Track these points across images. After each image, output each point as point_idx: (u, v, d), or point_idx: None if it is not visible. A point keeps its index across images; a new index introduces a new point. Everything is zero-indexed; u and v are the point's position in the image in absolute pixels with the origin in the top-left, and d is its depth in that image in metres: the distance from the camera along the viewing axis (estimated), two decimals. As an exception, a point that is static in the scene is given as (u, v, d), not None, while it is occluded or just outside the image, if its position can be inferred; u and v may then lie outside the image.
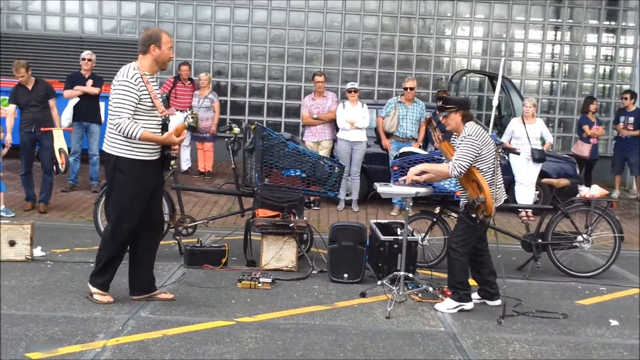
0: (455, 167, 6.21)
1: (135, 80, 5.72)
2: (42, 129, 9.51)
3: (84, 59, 11.06)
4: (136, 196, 5.89)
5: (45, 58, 14.84)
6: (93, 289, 6.10)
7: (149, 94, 5.77)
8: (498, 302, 6.58)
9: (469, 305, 6.46)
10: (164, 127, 5.89)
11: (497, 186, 6.38)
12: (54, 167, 9.50)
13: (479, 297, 6.70)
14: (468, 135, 6.27)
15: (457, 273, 6.42)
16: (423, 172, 6.55)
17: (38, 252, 7.49)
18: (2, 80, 13.06)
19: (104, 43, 14.78)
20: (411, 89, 10.81)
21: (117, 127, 5.69)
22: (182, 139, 6.04)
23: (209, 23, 15.23)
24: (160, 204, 6.36)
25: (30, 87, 9.65)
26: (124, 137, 5.72)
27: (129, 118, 5.68)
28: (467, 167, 6.21)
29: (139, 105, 5.73)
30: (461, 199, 6.57)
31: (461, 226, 6.45)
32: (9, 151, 9.66)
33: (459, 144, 6.32)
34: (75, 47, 14.70)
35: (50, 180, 9.80)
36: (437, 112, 6.59)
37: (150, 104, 5.80)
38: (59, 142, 9.41)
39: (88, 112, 10.94)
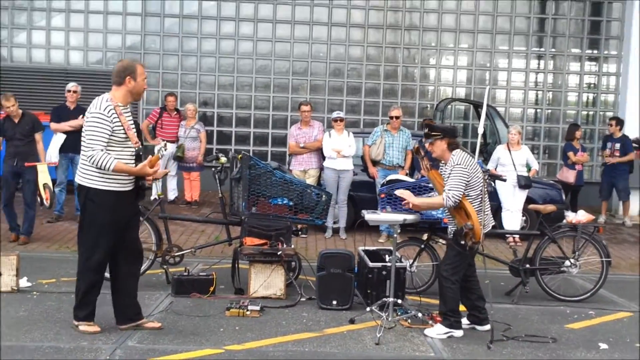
0: (449, 198, 6.22)
1: (108, 112, 5.71)
2: (26, 164, 9.39)
3: (69, 91, 11.07)
4: (108, 226, 5.87)
5: (31, 90, 14.83)
6: (78, 322, 6.05)
7: (122, 126, 5.76)
8: (487, 327, 6.56)
9: (458, 333, 6.45)
10: (138, 157, 5.89)
11: (485, 213, 6.40)
12: (39, 201, 9.39)
13: (468, 322, 6.69)
14: (457, 165, 6.30)
15: (448, 301, 6.41)
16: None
17: (24, 282, 7.42)
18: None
19: (89, 75, 14.80)
20: (397, 117, 10.88)
21: (90, 159, 5.68)
22: (156, 170, 6.00)
23: (195, 54, 15.30)
24: (137, 232, 6.31)
25: (17, 121, 9.58)
26: (97, 168, 5.71)
27: (102, 150, 5.67)
28: (460, 196, 6.22)
29: (112, 137, 5.72)
30: (449, 226, 6.58)
31: (451, 253, 6.46)
32: None
33: (449, 173, 6.34)
34: (60, 79, 14.70)
35: (32, 213, 9.71)
36: (424, 139, 6.62)
37: (124, 136, 5.79)
38: (43, 177, 9.28)
39: (73, 143, 10.90)
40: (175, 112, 12.87)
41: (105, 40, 15.26)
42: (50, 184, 9.29)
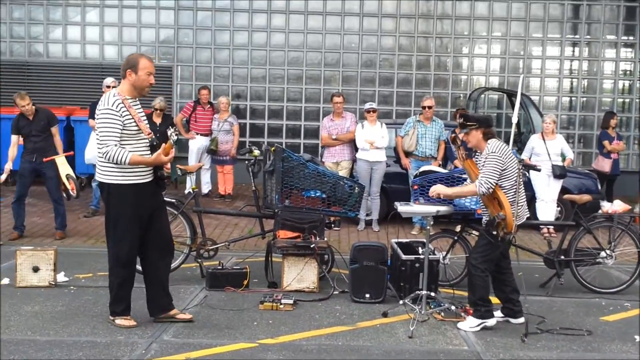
0: (482, 184, 6.20)
1: (117, 106, 5.76)
2: (44, 159, 9.36)
3: (108, 86, 11.10)
4: (132, 220, 5.95)
5: (67, 85, 15.06)
6: (114, 317, 6.16)
7: (132, 118, 5.81)
8: (521, 319, 6.53)
9: (491, 322, 6.43)
10: (153, 148, 5.93)
11: (519, 204, 6.36)
12: (64, 194, 9.38)
13: (502, 315, 6.65)
14: (492, 153, 6.27)
15: (478, 289, 6.39)
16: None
17: (61, 277, 7.55)
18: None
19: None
20: (429, 107, 10.84)
21: (105, 156, 5.75)
22: (172, 157, 6.02)
23: (228, 47, 15.36)
24: (166, 223, 6.37)
25: (31, 118, 9.52)
26: (114, 164, 5.78)
27: (115, 145, 5.73)
28: (494, 185, 6.19)
29: (124, 131, 5.78)
30: (483, 216, 6.55)
31: (482, 242, 6.43)
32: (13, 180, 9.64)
33: (484, 161, 6.31)
34: (96, 73, 14.88)
35: (62, 209, 9.72)
36: (458, 130, 6.59)
37: (136, 128, 5.85)
38: (64, 168, 9.23)
39: None
40: (209, 106, 12.95)
41: (139, 35, 15.39)
42: (73, 174, 9.25)
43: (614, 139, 12.84)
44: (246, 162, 8.41)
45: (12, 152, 9.60)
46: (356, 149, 10.96)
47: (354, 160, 11.08)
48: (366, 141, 10.66)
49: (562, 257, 7.69)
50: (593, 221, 7.83)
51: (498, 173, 6.23)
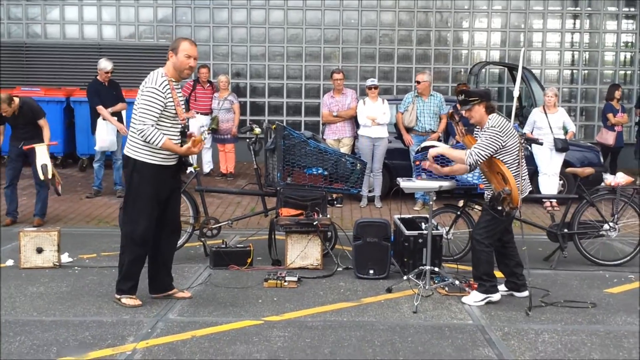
0: (471, 155, 6.18)
1: (163, 87, 5.79)
2: (24, 147, 9.04)
3: (107, 72, 10.96)
4: (151, 199, 5.96)
5: (65, 66, 15.00)
6: (119, 296, 6.17)
7: (173, 102, 5.85)
8: (525, 293, 6.53)
9: (496, 297, 6.44)
10: (183, 133, 6.00)
11: (522, 178, 6.34)
12: (54, 190, 9.14)
13: (506, 289, 6.67)
14: (491, 127, 6.25)
15: (482, 264, 6.39)
16: (441, 156, 6.62)
17: (65, 258, 7.56)
18: (23, 89, 13.20)
19: (122, 49, 14.89)
20: (418, 82, 10.79)
21: (140, 133, 5.77)
22: (200, 150, 6.13)
23: (226, 25, 15.28)
24: (179, 206, 6.41)
25: (16, 113, 9.13)
26: (145, 142, 5.79)
27: (152, 125, 5.76)
28: (485, 157, 6.18)
29: (163, 112, 5.81)
30: (485, 192, 6.54)
31: (485, 217, 6.43)
32: None
33: (481, 134, 6.30)
34: (94, 54, 14.82)
35: (43, 194, 9.39)
36: (459, 106, 6.55)
37: (173, 111, 5.88)
38: (42, 157, 8.92)
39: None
40: (208, 84, 12.90)
41: (137, 14, 15.30)
42: (50, 165, 8.92)
43: (618, 111, 12.79)
44: (247, 140, 8.38)
45: None
46: (357, 126, 10.92)
47: (355, 137, 11.05)
48: (368, 117, 10.62)
49: (566, 230, 7.69)
50: (596, 194, 7.81)
51: (493, 148, 6.19)
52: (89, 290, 6.63)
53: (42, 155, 8.96)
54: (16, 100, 9.09)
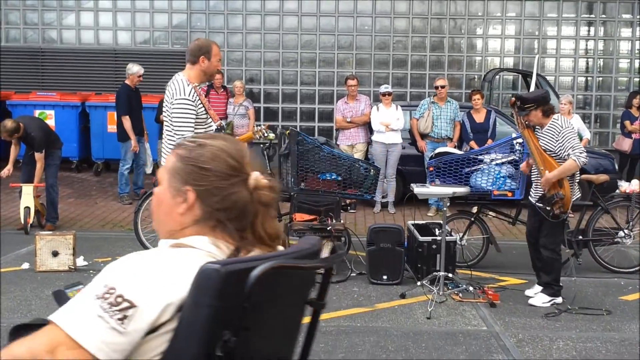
0: (579, 156, 6.27)
1: (192, 96, 5.67)
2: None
3: (140, 76, 11.02)
4: None
5: (81, 71, 15.08)
6: None
7: (203, 106, 5.79)
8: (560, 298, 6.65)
9: (559, 300, 6.58)
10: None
11: (575, 182, 6.51)
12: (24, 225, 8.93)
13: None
14: (566, 128, 6.39)
15: (554, 271, 6.57)
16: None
17: (81, 261, 7.61)
18: (39, 94, 13.31)
19: (137, 54, 14.96)
20: (442, 87, 10.79)
21: None
22: None
23: (241, 31, 15.33)
24: None
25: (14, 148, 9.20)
26: None
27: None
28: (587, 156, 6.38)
29: (196, 119, 5.73)
30: (532, 192, 6.60)
31: (546, 224, 6.50)
32: None
33: (562, 138, 6.34)
34: (109, 59, 14.92)
35: (53, 197, 9.29)
36: (515, 113, 6.59)
37: (205, 115, 5.81)
38: (26, 199, 8.80)
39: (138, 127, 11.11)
40: (223, 90, 12.94)
41: (152, 20, 15.38)
42: (32, 209, 8.83)
43: (637, 118, 12.73)
44: (261, 145, 8.41)
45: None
46: (371, 132, 10.94)
47: (368, 143, 11.07)
48: (382, 123, 10.63)
49: (580, 237, 7.66)
50: (611, 201, 7.80)
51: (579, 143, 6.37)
52: (104, 293, 6.65)
53: (27, 196, 8.84)
54: (20, 130, 8.94)
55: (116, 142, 11.39)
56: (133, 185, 11.32)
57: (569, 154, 6.29)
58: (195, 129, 5.78)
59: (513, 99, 6.77)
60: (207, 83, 13.06)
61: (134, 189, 11.30)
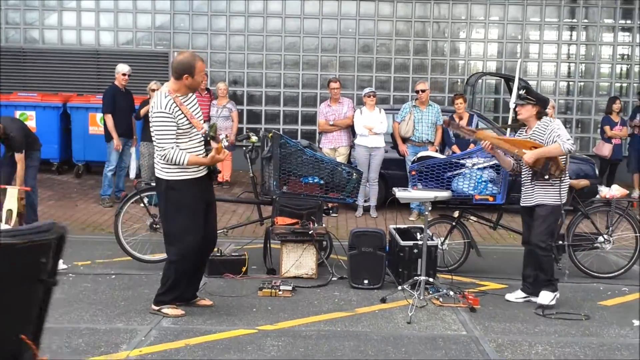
0: (565, 142, 6.34)
1: (169, 108, 5.79)
2: None
3: (124, 74, 11.04)
4: (194, 211, 6.00)
5: (63, 71, 14.99)
6: (158, 307, 6.15)
7: (184, 116, 5.85)
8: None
9: (557, 294, 6.67)
10: (206, 142, 6.02)
11: (565, 185, 6.67)
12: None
13: (525, 295, 6.81)
14: (553, 122, 6.55)
15: (549, 269, 6.66)
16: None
17: (60, 265, 7.49)
18: (20, 95, 13.22)
19: (120, 55, 14.88)
20: (423, 91, 10.80)
21: (164, 158, 5.83)
22: (226, 155, 6.18)
23: (224, 33, 15.30)
24: (215, 218, 6.44)
25: None
26: (172, 164, 5.85)
27: (172, 147, 5.80)
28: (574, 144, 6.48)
29: (178, 129, 5.83)
30: (524, 195, 6.70)
31: (538, 223, 6.57)
32: None
33: (550, 132, 6.44)
34: (91, 60, 14.85)
35: (31, 200, 9.01)
36: (514, 100, 6.67)
37: (188, 125, 5.88)
38: (10, 201, 8.45)
39: (126, 130, 11.07)
40: (206, 92, 12.91)
41: (135, 21, 15.31)
42: (15, 212, 8.46)
43: (617, 124, 12.82)
44: (244, 148, 8.39)
45: None
46: (354, 135, 10.94)
47: (351, 146, 11.07)
48: (365, 127, 10.64)
49: (560, 242, 7.70)
50: (591, 206, 7.85)
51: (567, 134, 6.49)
52: (83, 297, 6.62)
53: (11, 198, 8.58)
54: (0, 131, 8.66)
55: (98, 144, 11.35)
56: (115, 188, 11.25)
57: (555, 141, 6.40)
58: (179, 139, 5.85)
59: (447, 119, 6.87)
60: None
61: (115, 191, 11.24)
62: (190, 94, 6.06)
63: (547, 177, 6.46)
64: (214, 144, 5.98)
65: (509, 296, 6.87)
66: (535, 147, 6.43)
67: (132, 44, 15.36)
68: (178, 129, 5.83)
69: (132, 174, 11.21)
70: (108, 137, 10.95)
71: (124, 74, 11.01)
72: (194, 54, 6.27)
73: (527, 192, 6.65)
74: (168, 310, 6.11)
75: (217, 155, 5.94)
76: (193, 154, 5.90)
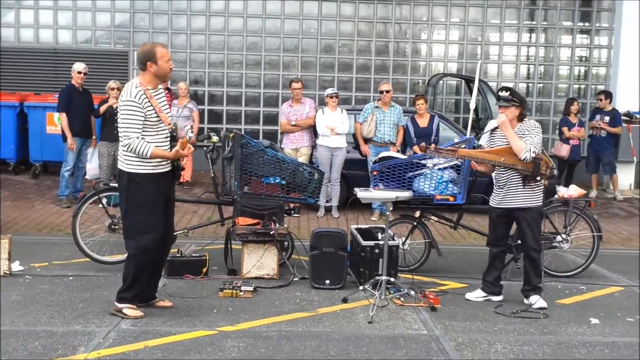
0: (530, 150, 6.42)
1: (139, 98, 5.78)
2: None
3: (79, 72, 10.91)
4: (155, 206, 5.96)
5: (20, 70, 14.71)
6: (121, 305, 6.07)
7: (153, 109, 5.84)
8: (501, 297, 6.84)
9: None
10: (172, 138, 5.98)
11: (541, 188, 6.73)
12: None
13: (484, 295, 6.85)
14: (534, 128, 6.56)
15: (540, 271, 6.77)
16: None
17: (16, 266, 7.41)
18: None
19: (78, 54, 14.66)
20: (387, 91, 10.84)
21: (128, 148, 5.77)
22: (191, 152, 6.09)
23: (185, 32, 15.17)
24: (173, 214, 6.41)
25: None
26: (135, 155, 5.76)
27: (137, 137, 5.76)
28: (538, 153, 6.49)
29: (145, 122, 5.81)
30: (496, 196, 6.75)
31: (524, 228, 6.68)
32: None
33: (528, 133, 6.50)
34: (49, 58, 14.62)
35: None
36: (499, 100, 6.64)
37: (156, 118, 5.87)
38: None
39: (84, 130, 10.92)
40: (167, 91, 12.72)
41: (94, 19, 15.10)
42: None
43: (575, 125, 12.99)
44: (204, 148, 8.32)
45: None
46: (316, 135, 10.93)
47: (313, 147, 11.06)
48: (327, 127, 10.64)
49: (519, 241, 7.75)
50: (549, 206, 7.91)
51: (541, 142, 6.56)
52: (40, 299, 6.50)
53: None
54: None
55: (55, 144, 11.19)
56: (72, 188, 11.09)
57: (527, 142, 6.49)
58: (146, 132, 5.81)
59: (423, 145, 6.91)
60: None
61: (73, 192, 11.08)
62: (160, 89, 6.05)
63: (538, 178, 6.52)
64: (181, 140, 5.93)
65: (469, 295, 6.93)
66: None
67: (91, 43, 15.14)
68: (146, 121, 5.80)
69: (88, 175, 11.01)
70: (65, 136, 10.80)
71: (79, 72, 10.88)
72: (154, 43, 6.29)
73: (508, 193, 6.65)
74: (128, 311, 6.03)
75: (182, 151, 5.90)
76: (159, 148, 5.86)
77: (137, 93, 5.80)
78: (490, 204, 6.91)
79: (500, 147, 6.65)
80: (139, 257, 5.98)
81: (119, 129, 5.85)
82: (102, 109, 10.79)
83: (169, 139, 5.97)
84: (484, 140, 10.72)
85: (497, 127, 6.83)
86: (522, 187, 6.58)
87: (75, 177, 11.08)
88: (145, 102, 5.81)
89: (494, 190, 6.86)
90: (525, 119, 6.66)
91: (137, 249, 5.97)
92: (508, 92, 6.60)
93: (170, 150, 5.92)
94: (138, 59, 6.01)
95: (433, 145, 6.88)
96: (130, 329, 5.79)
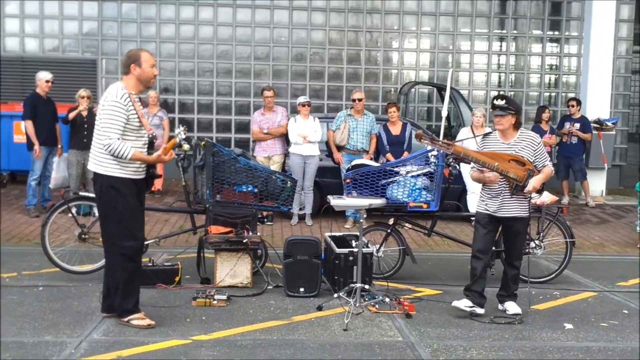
0: (551, 165, 6.66)
1: (125, 100, 5.73)
2: None
3: (47, 81, 10.75)
4: (136, 211, 5.92)
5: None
6: (127, 318, 5.96)
7: (136, 114, 5.79)
8: (483, 310, 6.69)
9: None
10: (151, 144, 5.93)
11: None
12: None
13: (471, 305, 6.65)
14: (540, 142, 6.65)
15: (518, 279, 6.86)
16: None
17: (-16, 277, 7.26)
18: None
19: (46, 62, 14.48)
20: (359, 100, 10.84)
21: (106, 148, 5.68)
22: (171, 158, 6.01)
23: (154, 40, 15.08)
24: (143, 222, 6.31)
25: None
26: (114, 157, 5.68)
27: (118, 139, 5.67)
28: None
29: (127, 125, 5.74)
30: (483, 202, 6.73)
31: (518, 237, 6.73)
32: None
33: (536, 148, 6.54)
34: (16, 67, 14.43)
35: None
36: (494, 109, 6.56)
37: (138, 123, 5.82)
38: None
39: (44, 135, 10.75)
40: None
41: (62, 27, 14.96)
42: None
43: (546, 132, 13.10)
44: (175, 157, 8.22)
45: None
46: (288, 143, 10.89)
47: (285, 155, 11.02)
48: (299, 135, 10.60)
49: (493, 247, 7.76)
50: (522, 212, 7.93)
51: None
52: (9, 310, 6.36)
53: None
54: None
55: (23, 153, 11.02)
56: (40, 198, 10.92)
57: (544, 165, 6.55)
58: (126, 136, 5.74)
59: (420, 132, 6.87)
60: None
61: (41, 201, 10.91)
62: (139, 95, 6.03)
63: (530, 189, 6.51)
64: (158, 143, 5.87)
65: (457, 303, 6.71)
66: (516, 160, 6.45)
67: (58, 51, 15.00)
68: (128, 124, 5.73)
69: (52, 184, 10.81)
70: (30, 145, 10.65)
71: (47, 81, 10.72)
72: (141, 48, 6.28)
73: (504, 202, 6.58)
74: (138, 322, 5.95)
75: (164, 157, 5.86)
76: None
77: (123, 95, 5.74)
78: (480, 211, 6.78)
79: (494, 151, 6.61)
80: (123, 264, 5.89)
81: (99, 130, 5.75)
82: (72, 115, 10.65)
83: (147, 145, 5.90)
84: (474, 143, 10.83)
85: (490, 132, 6.85)
86: (516, 197, 6.54)
87: (43, 186, 10.92)
88: (130, 106, 5.75)
89: (485, 199, 6.74)
90: (521, 128, 6.66)
91: (120, 256, 5.87)
92: (504, 101, 6.53)
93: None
94: (122, 62, 6.00)
95: (429, 137, 6.80)
96: (103, 339, 5.68)
